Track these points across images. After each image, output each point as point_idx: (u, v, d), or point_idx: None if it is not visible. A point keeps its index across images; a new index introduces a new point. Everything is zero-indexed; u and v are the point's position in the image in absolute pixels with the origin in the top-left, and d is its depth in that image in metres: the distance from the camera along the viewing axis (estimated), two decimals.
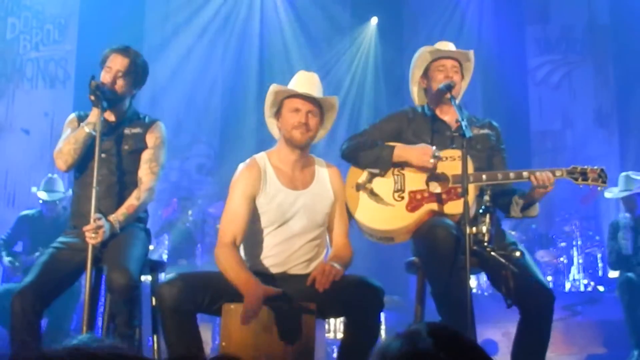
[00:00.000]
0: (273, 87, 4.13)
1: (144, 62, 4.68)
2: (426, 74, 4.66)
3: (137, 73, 4.63)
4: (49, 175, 7.94)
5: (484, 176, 4.25)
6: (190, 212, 10.62)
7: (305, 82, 4.14)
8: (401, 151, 4.41)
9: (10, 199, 11.01)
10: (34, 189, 7.91)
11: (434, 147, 4.32)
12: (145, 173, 4.61)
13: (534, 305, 4.13)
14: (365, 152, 4.48)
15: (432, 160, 4.29)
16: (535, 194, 4.29)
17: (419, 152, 4.35)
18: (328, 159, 4.43)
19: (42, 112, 11.42)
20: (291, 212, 4.03)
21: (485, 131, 4.63)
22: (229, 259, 3.83)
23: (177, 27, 12.59)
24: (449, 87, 4.38)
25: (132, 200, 4.52)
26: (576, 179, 4.31)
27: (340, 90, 12.47)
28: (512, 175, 4.30)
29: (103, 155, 4.49)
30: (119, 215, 4.42)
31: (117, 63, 4.54)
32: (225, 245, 3.89)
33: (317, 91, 4.11)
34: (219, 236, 4.02)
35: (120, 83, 4.54)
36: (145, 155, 4.64)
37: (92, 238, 4.19)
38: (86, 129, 4.43)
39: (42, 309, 4.23)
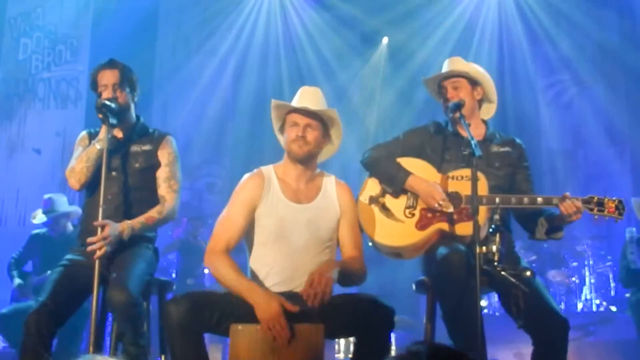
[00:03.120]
0: (272, 103, 4.17)
1: (130, 68, 4.69)
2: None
3: (130, 80, 4.64)
4: (45, 196, 7.91)
5: (497, 199, 4.19)
6: (196, 234, 10.61)
7: (306, 96, 4.13)
8: (413, 182, 4.38)
9: (21, 218, 11.04)
10: (34, 214, 7.94)
11: (444, 195, 4.29)
12: (166, 192, 4.61)
13: (548, 336, 4.09)
14: (382, 167, 4.48)
15: (436, 205, 4.28)
16: (563, 220, 4.23)
17: (428, 192, 4.31)
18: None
19: (54, 132, 11.49)
20: (293, 226, 3.99)
21: (506, 149, 4.59)
22: (225, 268, 3.81)
23: (188, 47, 12.67)
24: (457, 106, 4.36)
25: (153, 213, 4.51)
26: (592, 210, 4.20)
27: (354, 107, 12.54)
28: (526, 200, 4.25)
29: (113, 173, 4.49)
30: (135, 222, 4.41)
31: (109, 77, 4.56)
32: (220, 253, 3.87)
33: (318, 105, 4.09)
34: (210, 242, 3.97)
35: (121, 95, 4.55)
36: (163, 174, 4.64)
37: (99, 250, 4.17)
38: (97, 146, 4.43)
39: (56, 328, 4.20)
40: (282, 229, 3.98)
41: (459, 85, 4.54)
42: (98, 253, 4.17)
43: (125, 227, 4.34)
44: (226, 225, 3.99)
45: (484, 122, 4.68)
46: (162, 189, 4.62)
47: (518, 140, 4.70)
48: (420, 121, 4.85)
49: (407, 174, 4.41)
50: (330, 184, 4.19)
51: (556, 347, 4.09)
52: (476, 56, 11.82)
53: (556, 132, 12.20)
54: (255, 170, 4.16)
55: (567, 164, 12.01)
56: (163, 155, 4.67)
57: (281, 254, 3.96)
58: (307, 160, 4.10)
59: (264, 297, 3.67)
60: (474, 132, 4.35)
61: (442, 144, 4.57)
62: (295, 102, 4.11)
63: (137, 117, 4.76)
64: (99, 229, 4.23)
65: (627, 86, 11.95)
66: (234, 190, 4.09)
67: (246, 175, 4.14)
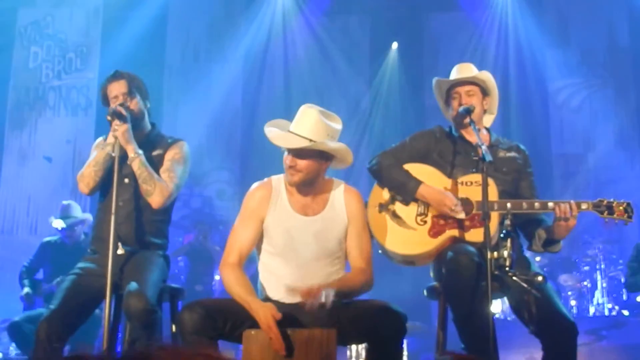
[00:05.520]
0: (265, 130, 4.01)
1: (136, 76, 4.69)
2: (448, 102, 4.66)
3: (139, 88, 4.64)
4: (63, 202, 7.96)
5: (508, 204, 4.19)
6: (206, 242, 10.60)
7: (299, 121, 3.95)
8: (425, 191, 4.35)
9: (33, 227, 11.09)
10: (50, 219, 7.95)
11: (456, 201, 4.28)
12: (166, 179, 4.52)
13: (557, 339, 4.09)
14: (391, 175, 4.44)
15: (449, 212, 4.27)
16: (558, 228, 4.24)
17: (440, 200, 4.30)
18: None
19: (65, 140, 11.54)
20: (301, 238, 3.96)
21: (512, 154, 4.59)
22: (232, 281, 3.83)
23: (198, 54, 12.68)
24: (468, 111, 4.36)
25: (155, 174, 4.48)
26: (602, 213, 4.23)
27: (363, 113, 12.55)
28: (537, 205, 4.26)
29: (126, 180, 4.47)
30: (142, 158, 4.43)
31: (117, 88, 4.57)
32: (230, 266, 3.90)
33: (313, 131, 3.87)
34: (223, 253, 4.00)
35: (132, 103, 4.55)
36: (163, 167, 4.58)
37: (118, 125, 4.31)
38: (107, 149, 4.42)
39: (67, 336, 4.21)
40: (289, 241, 3.96)
41: (473, 93, 4.54)
42: (118, 127, 4.30)
43: (135, 151, 4.41)
44: (236, 236, 4.00)
45: (487, 129, 4.68)
46: (162, 178, 4.52)
47: (522, 146, 4.71)
48: (431, 126, 4.82)
49: (418, 183, 4.38)
50: (338, 192, 4.10)
51: (565, 351, 4.09)
52: (486, 60, 11.81)
53: (566, 136, 12.17)
54: (265, 180, 4.11)
55: (577, 168, 11.96)
56: (169, 155, 4.64)
57: (290, 266, 3.95)
58: (303, 186, 3.99)
59: (258, 307, 3.66)
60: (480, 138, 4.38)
61: (449, 149, 4.56)
62: (292, 126, 3.97)
63: (153, 124, 4.76)
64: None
65: (637, 89, 11.93)
66: (242, 202, 4.07)
67: (254, 185, 4.11)
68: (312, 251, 3.96)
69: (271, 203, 4.00)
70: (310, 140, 3.86)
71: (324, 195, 4.08)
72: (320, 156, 3.95)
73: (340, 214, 4.06)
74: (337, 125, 4.01)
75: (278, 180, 4.08)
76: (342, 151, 3.98)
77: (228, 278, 3.87)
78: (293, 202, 4.02)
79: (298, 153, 3.90)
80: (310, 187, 4.02)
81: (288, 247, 3.96)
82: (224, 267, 3.94)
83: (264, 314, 3.61)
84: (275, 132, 3.98)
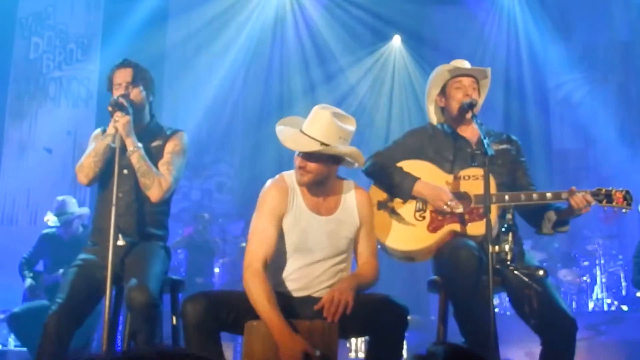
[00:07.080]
0: (277, 130, 3.95)
1: (145, 68, 4.67)
2: (444, 92, 4.62)
3: (144, 79, 4.61)
4: (58, 198, 7.93)
5: (506, 197, 4.19)
6: (205, 233, 10.60)
7: (311, 122, 3.88)
8: (421, 187, 4.34)
9: (32, 218, 11.08)
10: (46, 217, 7.94)
11: (452, 196, 4.27)
12: (164, 172, 4.50)
13: (556, 335, 4.08)
14: (387, 175, 4.42)
15: (445, 207, 4.26)
16: (573, 213, 4.23)
17: (437, 195, 4.28)
18: None
19: (65, 131, 11.52)
20: (314, 237, 3.92)
21: (505, 146, 4.58)
22: (260, 294, 3.66)
23: (198, 46, 12.68)
24: (471, 105, 4.35)
25: (153, 168, 4.46)
26: (600, 201, 4.21)
27: (362, 107, 12.54)
28: (535, 196, 4.24)
29: (125, 171, 4.43)
30: (142, 152, 4.42)
31: (122, 76, 4.55)
32: (257, 272, 3.73)
33: (325, 134, 3.81)
34: (247, 258, 3.82)
35: (134, 92, 4.53)
36: (162, 160, 4.55)
37: (119, 117, 4.30)
38: (106, 141, 4.41)
39: (75, 329, 4.20)
40: (304, 240, 3.92)
41: (475, 87, 4.54)
42: (119, 118, 4.30)
43: (135, 145, 4.39)
44: (259, 238, 3.85)
45: None
46: (160, 171, 4.51)
47: (514, 137, 4.70)
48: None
49: (414, 180, 4.36)
50: (349, 193, 4.06)
51: (564, 347, 4.08)
52: (487, 55, 11.81)
53: (566, 131, 12.17)
54: (277, 177, 4.02)
55: (578, 164, 11.96)
56: (169, 146, 4.61)
57: (300, 262, 3.92)
58: (313, 185, 3.95)
59: (290, 339, 3.55)
60: (472, 133, 4.41)
61: (444, 144, 4.54)
62: (304, 126, 3.91)
63: (152, 115, 4.74)
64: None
65: (638, 85, 11.92)
66: (259, 198, 3.97)
67: (269, 183, 4.01)
68: (324, 250, 3.93)
69: (289, 201, 3.94)
70: (322, 144, 3.80)
71: (336, 196, 4.05)
72: (330, 159, 3.90)
73: (352, 215, 4.03)
74: (351, 127, 3.92)
75: (290, 177, 4.01)
76: (353, 155, 3.91)
77: (256, 288, 3.69)
78: (307, 200, 3.97)
79: (308, 155, 3.85)
80: (321, 186, 3.98)
81: (301, 245, 3.92)
82: (249, 274, 3.75)
83: (293, 350, 3.52)
84: (286, 133, 3.92)
